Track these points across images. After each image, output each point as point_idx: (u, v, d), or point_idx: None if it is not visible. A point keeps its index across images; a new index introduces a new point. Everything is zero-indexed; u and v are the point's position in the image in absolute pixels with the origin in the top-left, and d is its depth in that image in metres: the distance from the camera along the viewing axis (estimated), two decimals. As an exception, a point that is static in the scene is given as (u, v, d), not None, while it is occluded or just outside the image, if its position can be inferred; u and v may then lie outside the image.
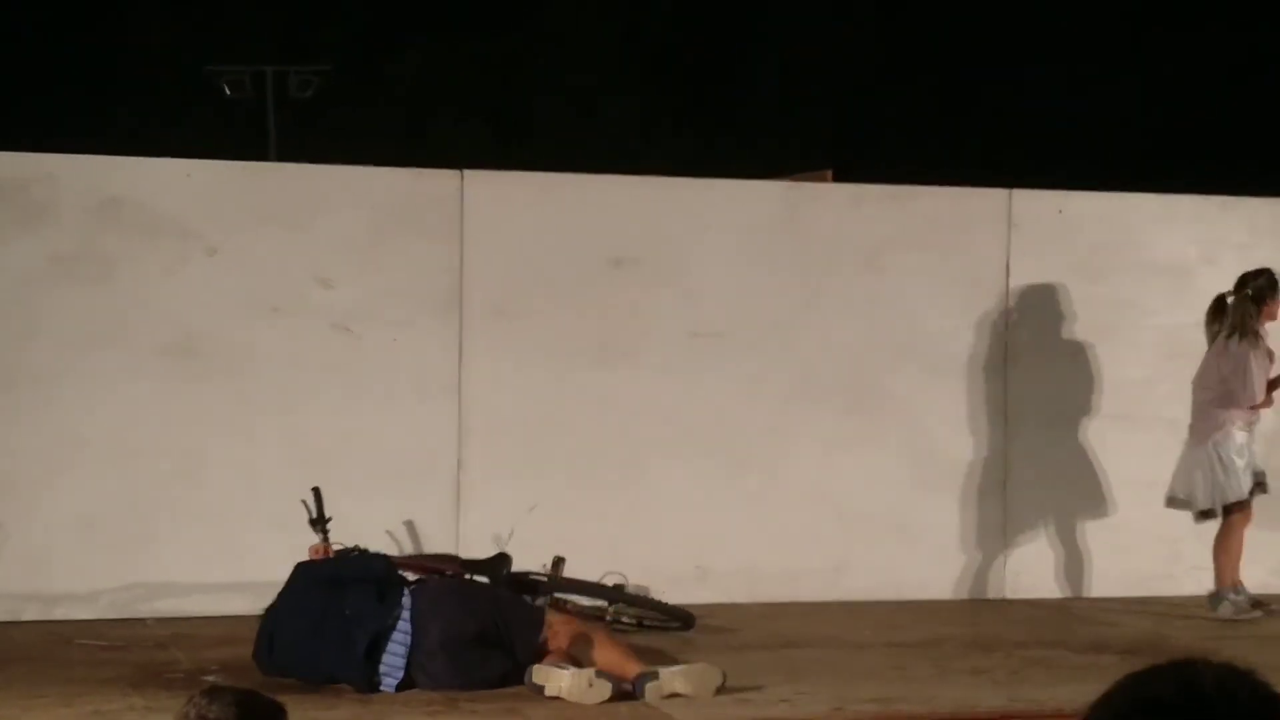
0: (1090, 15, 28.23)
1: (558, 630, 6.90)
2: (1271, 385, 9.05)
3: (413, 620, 6.79)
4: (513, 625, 6.89)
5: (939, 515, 9.63)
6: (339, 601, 6.84)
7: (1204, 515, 9.01)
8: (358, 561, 7.29)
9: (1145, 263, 10.02)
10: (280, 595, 7.04)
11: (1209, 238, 10.11)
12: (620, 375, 9.26)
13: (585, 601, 8.39)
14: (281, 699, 6.20)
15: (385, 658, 6.75)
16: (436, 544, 8.87)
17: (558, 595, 8.31)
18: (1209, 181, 11.18)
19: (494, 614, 6.92)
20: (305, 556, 7.50)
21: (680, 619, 8.39)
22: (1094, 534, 9.78)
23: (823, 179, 10.56)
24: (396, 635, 6.76)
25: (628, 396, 9.26)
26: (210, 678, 6.91)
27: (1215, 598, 8.94)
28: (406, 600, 6.87)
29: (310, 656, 6.80)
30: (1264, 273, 9.12)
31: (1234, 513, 8.94)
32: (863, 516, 9.50)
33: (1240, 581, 8.97)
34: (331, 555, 7.58)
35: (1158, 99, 27.59)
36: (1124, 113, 27.78)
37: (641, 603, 8.50)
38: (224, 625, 7.89)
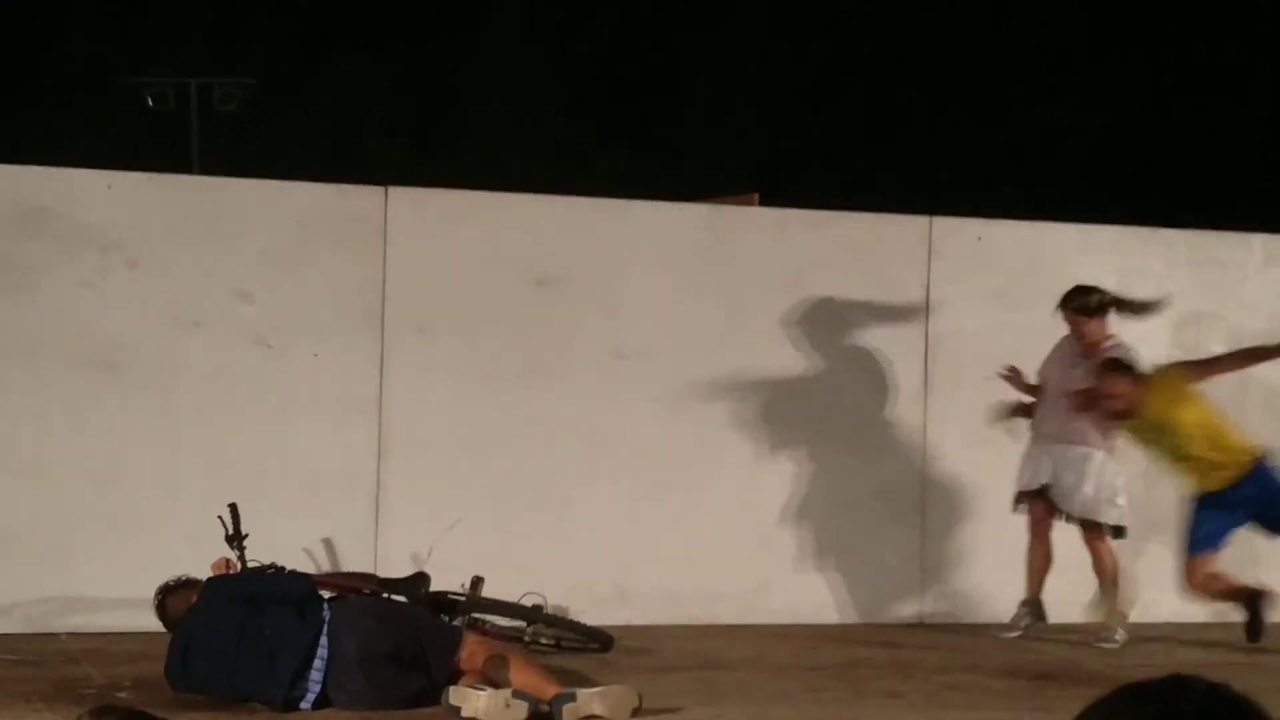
0: (1012, 47, 28.52)
1: (474, 651, 6.87)
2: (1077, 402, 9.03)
3: (329, 635, 6.75)
4: (429, 645, 6.86)
5: (859, 539, 9.68)
6: (258, 620, 6.77)
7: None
8: (276, 579, 7.23)
9: (1063, 291, 10.10)
10: (193, 610, 6.96)
11: (1126, 268, 10.22)
12: (543, 395, 9.25)
13: (504, 621, 8.37)
14: (195, 717, 6.17)
15: (306, 672, 6.71)
16: (354, 562, 8.82)
17: (476, 615, 8.28)
18: (1127, 212, 11.32)
19: (410, 633, 6.89)
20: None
21: (599, 640, 8.39)
22: (1011, 560, 9.84)
23: (749, 202, 10.62)
24: (317, 650, 6.71)
25: (550, 416, 9.25)
26: (123, 694, 6.84)
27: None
28: (325, 614, 6.83)
29: (226, 675, 6.73)
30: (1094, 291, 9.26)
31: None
32: (783, 539, 9.54)
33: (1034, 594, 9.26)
34: (237, 570, 7.51)
35: (1077, 130, 27.89)
36: (1044, 142, 28.06)
37: (560, 623, 8.49)
38: (139, 641, 7.81)
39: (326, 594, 7.33)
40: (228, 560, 7.57)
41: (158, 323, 8.73)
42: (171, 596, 7.08)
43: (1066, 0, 28.44)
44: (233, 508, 8.02)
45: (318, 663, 6.69)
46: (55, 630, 8.41)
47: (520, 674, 6.70)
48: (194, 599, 6.97)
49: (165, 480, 8.66)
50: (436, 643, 6.87)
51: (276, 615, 6.76)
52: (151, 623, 7.17)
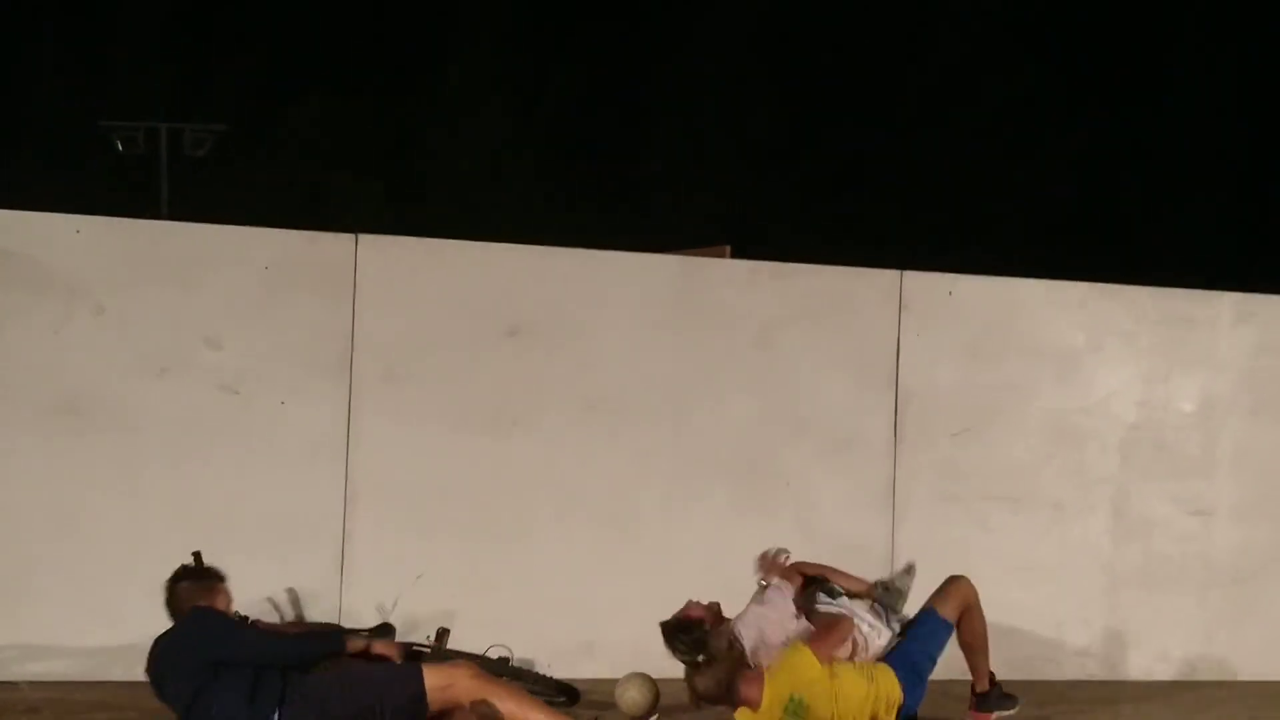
0: (983, 105, 28.69)
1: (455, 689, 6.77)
2: None
3: None
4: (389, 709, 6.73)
5: (826, 593, 9.62)
6: (209, 687, 6.57)
7: None
8: (240, 646, 6.96)
9: (1032, 347, 10.14)
10: (165, 644, 6.75)
11: (1094, 324, 10.25)
12: (512, 444, 9.21)
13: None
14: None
15: None
16: (319, 612, 8.75)
17: (441, 667, 8.20)
18: (1095, 268, 11.35)
19: (371, 703, 6.72)
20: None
21: (566, 693, 8.33)
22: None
23: (720, 254, 10.62)
24: None
25: (519, 466, 9.21)
26: (83, 745, 6.76)
27: None
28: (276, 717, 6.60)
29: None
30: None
31: None
32: (752, 592, 9.47)
33: None
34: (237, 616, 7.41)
35: (1047, 186, 28.05)
36: (1014, 198, 28.22)
37: (527, 676, 8.43)
38: (100, 691, 7.73)
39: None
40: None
41: (123, 369, 8.66)
42: (183, 584, 6.95)
43: (1037, 57, 28.64)
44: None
45: None
46: (15, 679, 8.31)
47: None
48: (200, 602, 6.80)
49: (129, 527, 8.58)
50: (397, 702, 6.74)
51: (227, 691, 6.55)
52: (114, 672, 7.08)
